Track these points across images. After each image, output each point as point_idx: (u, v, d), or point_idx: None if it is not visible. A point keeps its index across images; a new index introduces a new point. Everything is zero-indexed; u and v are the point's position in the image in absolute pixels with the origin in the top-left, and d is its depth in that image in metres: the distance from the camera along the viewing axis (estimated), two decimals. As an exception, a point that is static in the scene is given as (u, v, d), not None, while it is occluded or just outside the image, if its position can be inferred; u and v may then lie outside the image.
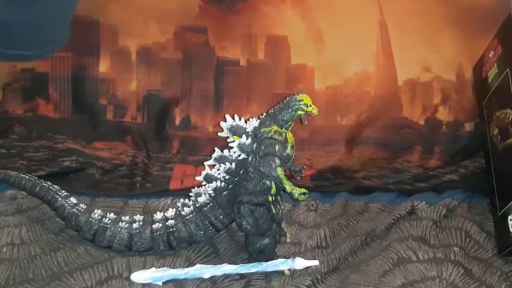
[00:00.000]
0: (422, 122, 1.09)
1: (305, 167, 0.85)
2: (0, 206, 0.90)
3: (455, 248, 0.85)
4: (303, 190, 0.75)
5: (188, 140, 1.08)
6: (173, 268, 0.79)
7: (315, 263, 0.79)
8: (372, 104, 1.08)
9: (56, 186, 0.84)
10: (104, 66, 1.07)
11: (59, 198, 0.83)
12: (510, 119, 0.88)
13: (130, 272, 0.78)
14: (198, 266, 0.78)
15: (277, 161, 0.75)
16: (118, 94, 1.07)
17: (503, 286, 0.79)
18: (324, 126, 1.07)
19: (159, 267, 0.78)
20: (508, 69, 0.89)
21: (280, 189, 0.78)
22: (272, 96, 1.08)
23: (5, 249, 0.81)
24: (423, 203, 0.95)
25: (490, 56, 0.97)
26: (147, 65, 1.08)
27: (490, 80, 0.96)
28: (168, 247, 0.82)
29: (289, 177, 0.78)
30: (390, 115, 1.09)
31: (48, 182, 0.84)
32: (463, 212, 0.95)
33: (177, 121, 1.08)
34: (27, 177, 0.85)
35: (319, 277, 0.77)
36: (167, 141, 1.08)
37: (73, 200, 0.84)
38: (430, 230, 0.89)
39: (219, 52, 1.08)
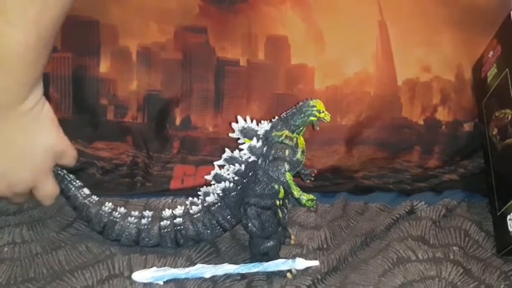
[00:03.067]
0: (421, 122, 1.09)
1: (315, 170, 0.85)
2: (0, 206, 0.90)
3: (454, 248, 0.86)
4: (311, 196, 0.75)
5: (188, 140, 1.08)
6: (174, 267, 0.79)
7: (316, 263, 0.80)
8: (371, 104, 1.09)
9: (71, 175, 0.84)
10: (104, 67, 1.07)
11: (73, 188, 0.84)
12: (509, 119, 0.88)
13: (131, 271, 0.78)
14: (198, 265, 0.79)
15: (287, 166, 0.76)
16: (118, 94, 1.07)
17: (502, 285, 0.79)
18: (324, 126, 1.06)
19: (160, 267, 0.79)
20: (507, 69, 0.89)
21: (288, 193, 0.78)
22: (272, 96, 1.08)
23: (6, 249, 0.81)
24: (423, 202, 0.96)
25: (489, 56, 0.98)
26: (147, 65, 1.08)
27: (489, 80, 0.97)
28: (175, 244, 0.83)
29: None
30: (389, 115, 1.09)
31: (64, 170, 0.84)
32: (462, 211, 0.96)
33: (177, 121, 1.08)
34: None
35: (319, 277, 0.78)
36: (167, 141, 1.08)
37: (86, 190, 0.84)
38: (429, 230, 0.90)
39: (219, 52, 1.08)
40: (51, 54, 1.06)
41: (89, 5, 1.08)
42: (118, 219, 0.82)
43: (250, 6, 1.09)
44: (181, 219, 0.82)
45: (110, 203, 0.83)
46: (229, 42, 1.09)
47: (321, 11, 1.09)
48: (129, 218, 0.82)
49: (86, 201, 0.83)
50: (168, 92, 1.08)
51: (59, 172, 0.84)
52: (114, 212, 0.83)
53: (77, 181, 0.85)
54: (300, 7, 1.09)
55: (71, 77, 1.07)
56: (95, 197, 0.84)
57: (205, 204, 0.82)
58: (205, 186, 0.83)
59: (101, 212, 0.82)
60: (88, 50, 1.07)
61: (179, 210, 0.83)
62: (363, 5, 1.10)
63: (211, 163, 0.81)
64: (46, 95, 1.05)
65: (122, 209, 0.83)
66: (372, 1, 1.10)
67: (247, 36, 1.09)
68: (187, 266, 0.79)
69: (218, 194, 0.81)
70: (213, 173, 0.81)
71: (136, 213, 0.83)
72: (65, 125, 1.06)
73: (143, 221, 0.82)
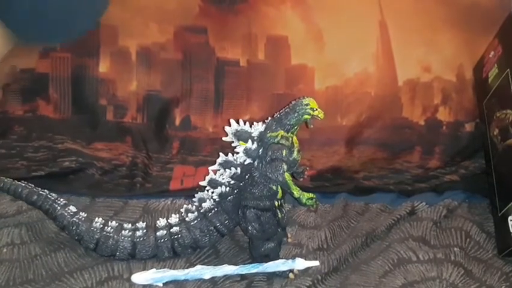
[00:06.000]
0: (422, 123, 1.09)
1: (308, 168, 0.85)
2: (0, 209, 0.90)
3: (455, 249, 0.85)
4: (311, 195, 0.75)
5: (188, 140, 1.08)
6: (173, 269, 0.79)
7: (316, 263, 0.79)
8: (372, 105, 1.08)
9: (54, 195, 0.82)
10: (104, 67, 1.07)
11: (58, 208, 0.81)
12: (510, 119, 0.88)
13: (130, 273, 0.78)
14: (198, 266, 0.78)
15: (285, 166, 0.75)
16: (118, 94, 1.07)
17: (503, 286, 0.79)
18: (324, 127, 1.07)
19: (159, 268, 0.78)
20: (508, 70, 0.89)
21: (287, 193, 0.78)
22: (272, 96, 1.08)
23: (5, 250, 0.81)
24: (424, 203, 0.95)
25: (490, 56, 0.97)
26: (147, 65, 1.08)
27: (490, 80, 0.96)
28: (173, 253, 0.81)
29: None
30: (390, 115, 1.09)
31: (46, 191, 0.82)
32: (463, 212, 0.95)
33: (177, 121, 1.08)
34: (24, 184, 0.82)
35: (319, 278, 0.78)
36: (167, 141, 1.08)
37: (73, 208, 0.81)
38: (430, 231, 0.89)
39: (219, 52, 1.08)
40: (51, 54, 1.07)
41: (89, 5, 1.08)
42: (111, 234, 0.80)
43: (250, 6, 1.09)
44: (177, 227, 0.81)
45: (101, 218, 0.81)
46: (229, 42, 1.09)
47: (321, 10, 1.09)
48: (123, 232, 0.80)
49: (74, 219, 0.80)
50: (168, 92, 1.08)
51: (41, 192, 0.81)
52: (106, 227, 0.80)
53: (61, 200, 0.82)
54: (300, 7, 1.09)
55: (70, 77, 1.07)
56: (83, 214, 0.81)
57: (201, 211, 0.81)
58: (199, 192, 0.82)
59: (92, 228, 0.80)
60: (87, 50, 1.07)
61: (174, 218, 0.82)
62: (364, 4, 1.10)
63: (211, 163, 0.80)
64: (46, 95, 1.07)
65: (113, 223, 0.81)
66: (373, 1, 1.10)
67: (247, 36, 1.09)
68: (186, 268, 0.79)
69: (214, 199, 0.80)
70: (207, 178, 0.80)
71: (129, 225, 0.81)
72: (64, 125, 1.07)
73: (138, 233, 0.80)
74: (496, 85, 0.94)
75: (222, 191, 0.79)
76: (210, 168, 0.80)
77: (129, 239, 0.80)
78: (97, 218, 0.81)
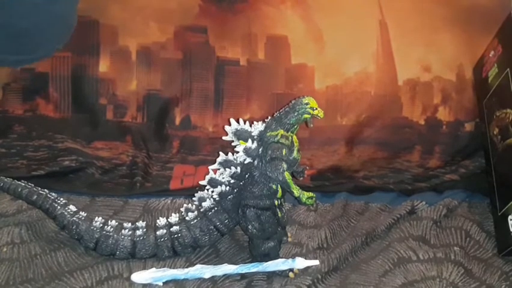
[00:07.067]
0: (422, 122, 1.09)
1: (307, 167, 0.85)
2: (0, 208, 0.90)
3: (455, 248, 0.85)
4: (311, 194, 0.75)
5: (188, 139, 1.08)
6: (173, 268, 0.79)
7: (316, 262, 0.79)
8: (372, 104, 1.08)
9: (53, 194, 0.82)
10: (104, 66, 1.07)
11: (58, 207, 0.81)
12: (510, 118, 0.88)
13: (130, 272, 0.78)
14: (198, 266, 0.78)
15: (285, 166, 0.75)
16: (118, 94, 1.07)
17: (503, 286, 0.79)
18: (324, 126, 1.07)
19: (159, 268, 0.78)
20: (508, 69, 0.89)
21: (287, 192, 0.78)
22: (272, 96, 1.08)
23: (5, 249, 0.81)
24: (424, 202, 0.96)
25: (490, 55, 0.97)
26: (147, 64, 1.08)
27: (490, 79, 0.96)
28: (173, 253, 0.82)
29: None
30: (390, 115, 1.09)
31: (46, 190, 0.82)
32: (463, 211, 0.95)
33: (177, 121, 1.08)
34: (23, 184, 0.82)
35: (319, 277, 0.78)
36: (167, 141, 1.08)
37: (72, 207, 0.82)
38: (430, 230, 0.89)
39: (219, 52, 1.08)
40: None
41: (89, 5, 1.08)
42: (111, 233, 0.80)
43: (250, 6, 1.09)
44: (177, 227, 0.81)
45: (100, 218, 0.81)
46: (229, 41, 1.09)
47: (321, 10, 1.09)
48: (123, 231, 0.80)
49: (74, 218, 0.81)
50: (168, 92, 1.08)
51: (41, 191, 0.81)
52: (106, 226, 0.80)
53: (61, 199, 0.82)
54: (300, 7, 1.09)
55: (70, 76, 1.07)
56: (83, 213, 0.81)
57: (201, 210, 0.82)
58: (199, 191, 0.82)
59: (92, 227, 0.80)
60: (87, 49, 1.07)
61: (174, 218, 0.82)
62: (364, 4, 1.10)
63: (211, 163, 0.80)
64: (46, 94, 1.07)
65: (113, 222, 0.81)
66: (373, 1, 1.10)
67: (247, 36, 1.09)
68: (186, 267, 0.79)
69: (214, 198, 0.81)
70: (207, 177, 0.80)
71: (129, 224, 0.81)
72: (65, 124, 1.07)
73: (138, 232, 0.80)
74: (495, 84, 0.94)
75: (222, 190, 0.79)
76: (210, 167, 0.80)
77: (129, 238, 0.80)
78: (96, 218, 0.81)
